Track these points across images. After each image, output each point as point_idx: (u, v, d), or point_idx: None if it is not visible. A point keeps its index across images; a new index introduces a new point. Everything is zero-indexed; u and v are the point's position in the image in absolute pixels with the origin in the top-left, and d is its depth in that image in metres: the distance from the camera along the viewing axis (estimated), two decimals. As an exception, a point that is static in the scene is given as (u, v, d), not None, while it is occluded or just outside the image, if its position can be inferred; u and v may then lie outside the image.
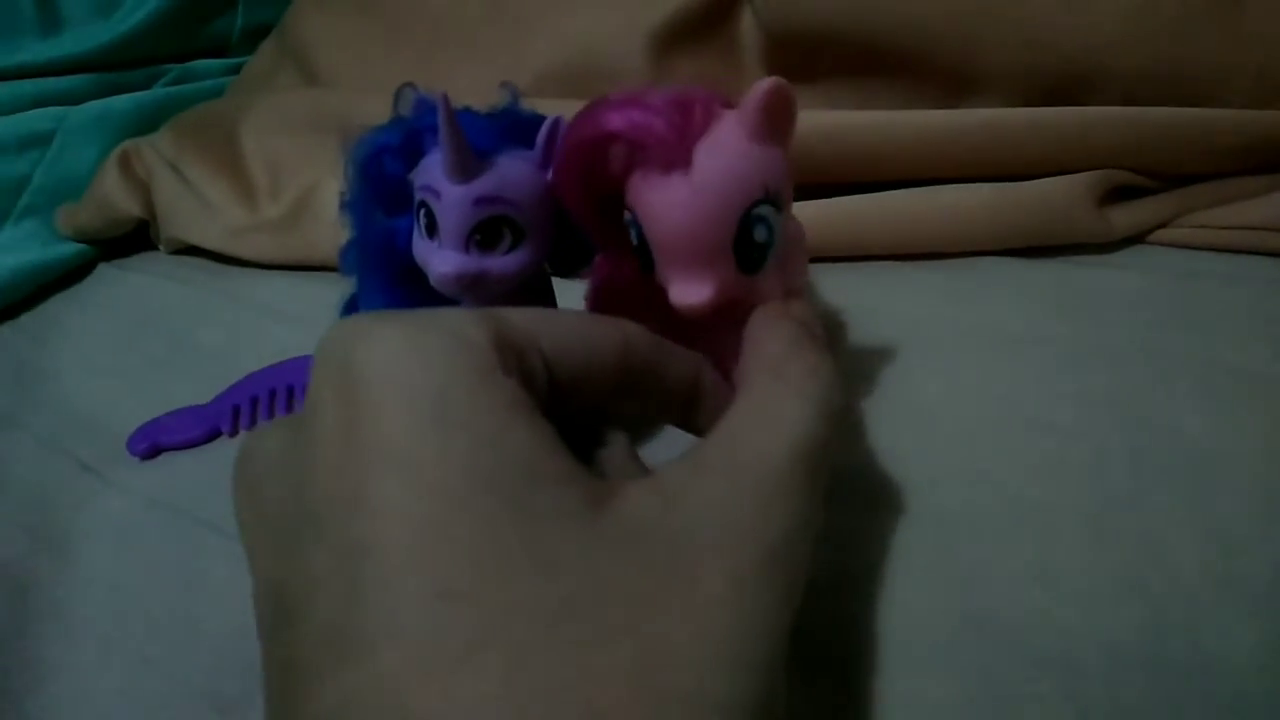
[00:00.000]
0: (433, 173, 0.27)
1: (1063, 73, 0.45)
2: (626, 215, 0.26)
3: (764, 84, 0.24)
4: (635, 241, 0.26)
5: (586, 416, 0.24)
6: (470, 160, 0.26)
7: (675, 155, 0.24)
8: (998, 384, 0.35)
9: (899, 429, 0.33)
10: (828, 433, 0.21)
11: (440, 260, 0.27)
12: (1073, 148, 0.44)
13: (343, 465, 0.18)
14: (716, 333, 0.27)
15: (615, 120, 0.24)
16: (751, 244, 0.25)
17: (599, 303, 0.30)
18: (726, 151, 0.24)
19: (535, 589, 0.16)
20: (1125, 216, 0.44)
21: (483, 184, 0.26)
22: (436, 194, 0.26)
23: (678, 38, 0.51)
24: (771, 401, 0.22)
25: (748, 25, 0.50)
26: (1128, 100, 0.44)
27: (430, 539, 0.17)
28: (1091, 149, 0.44)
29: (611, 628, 0.16)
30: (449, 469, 0.17)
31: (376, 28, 0.61)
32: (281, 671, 0.18)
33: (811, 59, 0.48)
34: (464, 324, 0.20)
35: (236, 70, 0.72)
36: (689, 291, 0.25)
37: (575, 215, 0.28)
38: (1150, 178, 0.45)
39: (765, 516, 0.19)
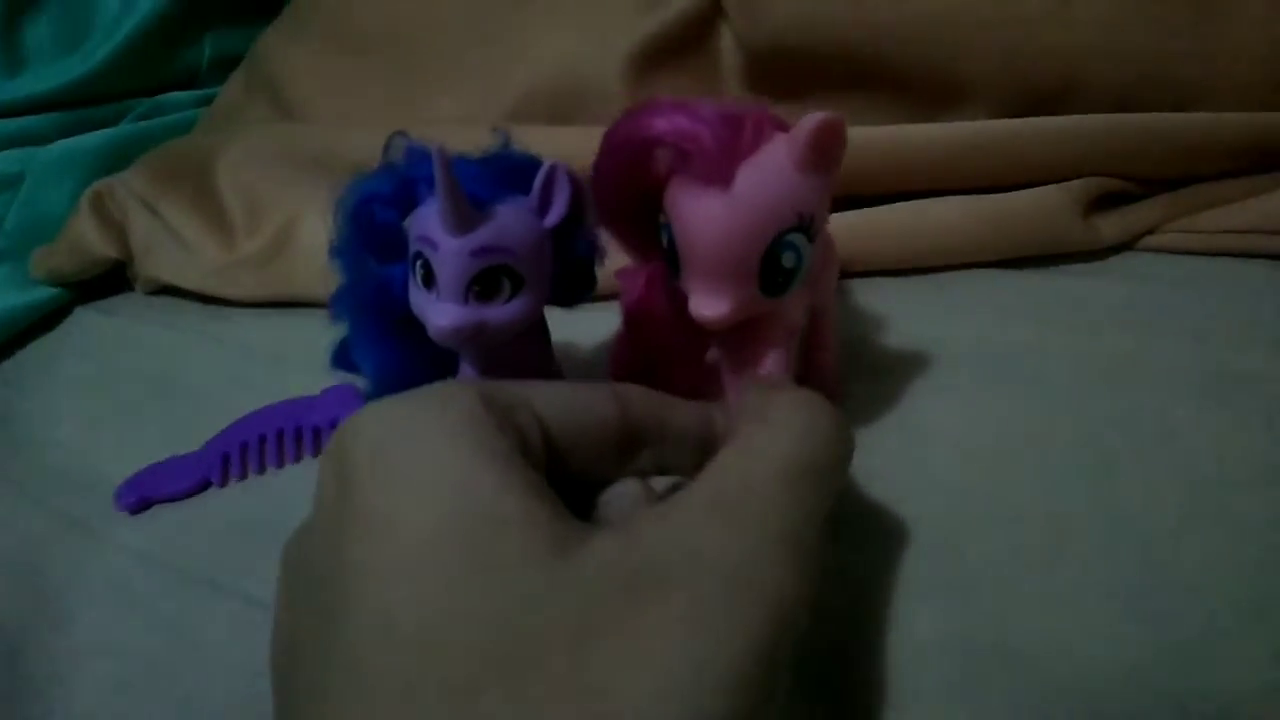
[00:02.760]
0: (429, 224, 0.26)
1: (1045, 83, 0.45)
2: (661, 218, 0.27)
3: (817, 117, 0.24)
4: (665, 245, 0.27)
5: (594, 478, 0.25)
6: (468, 211, 0.25)
7: (717, 169, 0.25)
8: (995, 401, 0.35)
9: (896, 450, 0.33)
10: (813, 457, 0.22)
11: (438, 313, 0.27)
12: (1056, 157, 0.44)
13: (331, 534, 0.20)
14: (736, 345, 0.29)
15: (662, 124, 0.25)
16: (778, 268, 0.26)
17: (631, 322, 0.31)
18: (768, 175, 0.25)
19: (488, 632, 0.17)
20: (1113, 224, 0.44)
21: (481, 235, 0.26)
22: (434, 245, 0.26)
23: (657, 58, 0.50)
24: (751, 439, 0.22)
25: (727, 44, 0.50)
26: (1110, 109, 0.44)
27: (393, 595, 0.18)
28: (1075, 157, 0.44)
29: (552, 662, 0.17)
30: (416, 526, 0.19)
31: (348, 56, 0.60)
32: None
33: (791, 76, 0.48)
34: (451, 389, 0.22)
35: (207, 102, 0.71)
36: (707, 304, 0.26)
37: (607, 212, 0.28)
38: (1136, 184, 0.45)
39: (732, 537, 0.19)
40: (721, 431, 0.26)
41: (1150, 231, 0.44)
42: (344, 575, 0.19)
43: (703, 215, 0.25)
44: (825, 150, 0.25)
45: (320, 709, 0.18)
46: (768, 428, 0.22)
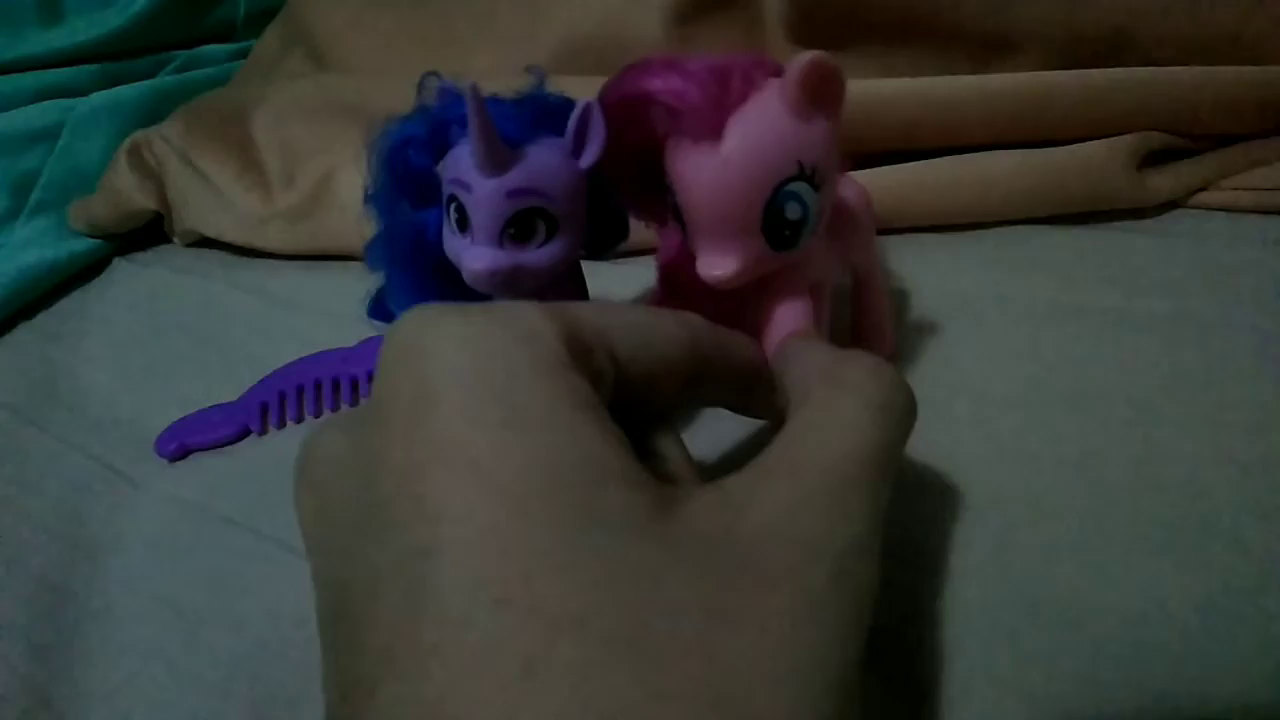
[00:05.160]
0: (462, 165, 0.26)
1: (1096, 35, 0.44)
2: (667, 179, 0.26)
3: (804, 58, 0.23)
4: (672, 208, 0.26)
5: (644, 416, 0.23)
6: (502, 152, 0.25)
7: (707, 124, 0.24)
8: (1045, 356, 0.34)
9: (945, 406, 0.32)
10: (891, 436, 0.21)
11: (473, 256, 0.26)
12: (1108, 110, 0.43)
13: (408, 463, 0.18)
14: (759, 301, 0.28)
15: (653, 83, 0.24)
16: (782, 220, 0.25)
17: (666, 278, 0.30)
18: (759, 125, 0.24)
19: (599, 600, 0.16)
20: (1165, 180, 0.43)
21: (515, 176, 0.25)
22: (467, 188, 0.25)
23: (698, 8, 0.49)
24: (832, 406, 0.21)
25: (770, -7, 0.49)
26: (1163, 62, 0.42)
27: (492, 544, 0.16)
28: (1127, 111, 0.43)
29: (678, 644, 0.15)
30: (514, 469, 0.17)
31: (385, 8, 0.60)
32: (341, 675, 0.17)
33: (837, 27, 0.47)
34: (535, 319, 0.19)
35: (243, 55, 0.71)
36: (713, 264, 0.25)
37: (611, 172, 0.27)
38: (1189, 139, 0.44)
39: (833, 525, 0.18)
40: (765, 370, 0.25)
41: (1203, 188, 0.43)
42: (426, 513, 0.17)
43: (697, 174, 0.24)
44: (817, 92, 0.24)
45: (410, 668, 0.15)
46: (846, 396, 0.21)
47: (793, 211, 0.25)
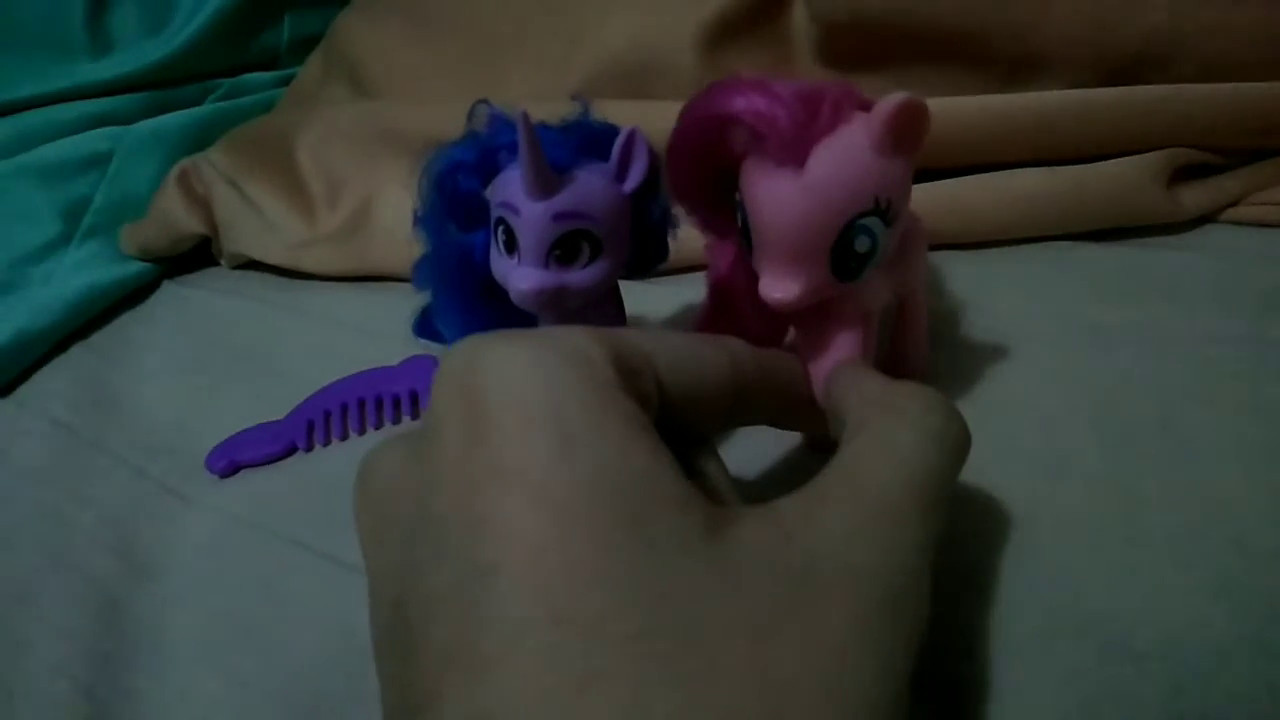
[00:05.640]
0: (511, 189, 0.27)
1: (1124, 54, 0.44)
2: (737, 195, 0.26)
3: (895, 99, 0.23)
4: (740, 224, 0.27)
5: (686, 436, 0.24)
6: (550, 177, 0.26)
7: (791, 151, 0.24)
8: (1079, 374, 0.34)
9: (980, 423, 0.32)
10: (945, 467, 0.21)
11: (520, 276, 0.27)
12: (1138, 127, 0.43)
13: (464, 483, 0.18)
14: (810, 327, 0.28)
15: (739, 103, 0.24)
16: (850, 253, 0.25)
17: (717, 294, 0.31)
18: (843, 158, 0.24)
19: (654, 618, 0.16)
20: (1195, 195, 0.43)
21: (562, 200, 0.26)
22: (515, 211, 0.26)
23: (728, 32, 0.50)
24: (889, 435, 0.21)
25: (799, 16, 0.50)
26: (1192, 79, 0.43)
27: (550, 562, 0.16)
28: (1157, 128, 0.43)
29: (729, 663, 0.16)
30: (569, 489, 0.17)
31: (423, 35, 0.61)
32: (400, 690, 0.18)
33: (866, 48, 0.48)
34: (584, 343, 0.20)
35: (286, 82, 0.73)
36: (777, 287, 0.25)
37: (682, 188, 0.28)
38: (1219, 155, 0.44)
39: (886, 553, 0.19)
40: (807, 389, 0.26)
41: (1233, 204, 0.43)
42: (484, 532, 0.17)
43: (775, 198, 0.25)
44: (903, 133, 0.24)
45: (472, 682, 0.16)
46: (901, 427, 0.22)
47: (862, 245, 0.25)
